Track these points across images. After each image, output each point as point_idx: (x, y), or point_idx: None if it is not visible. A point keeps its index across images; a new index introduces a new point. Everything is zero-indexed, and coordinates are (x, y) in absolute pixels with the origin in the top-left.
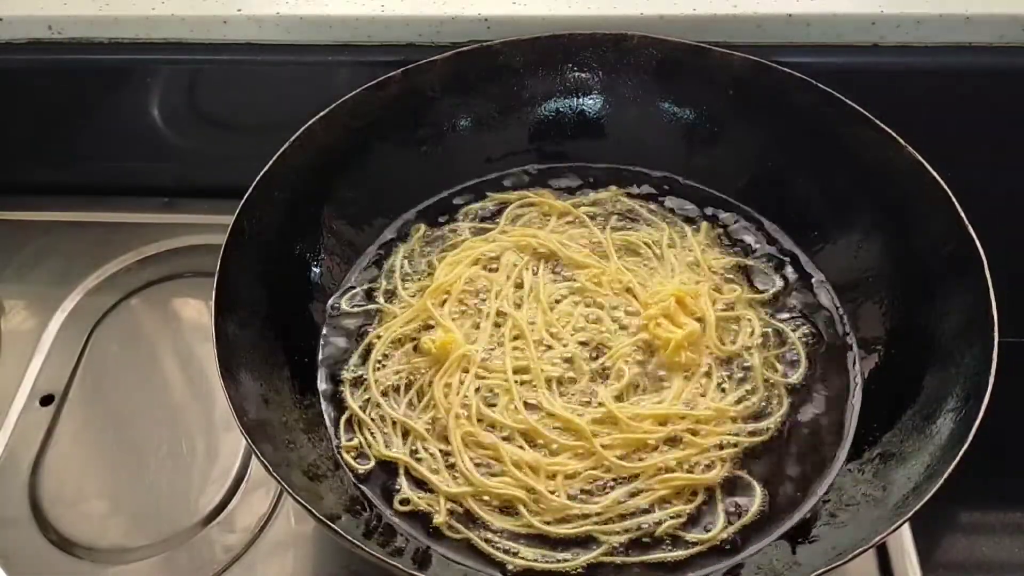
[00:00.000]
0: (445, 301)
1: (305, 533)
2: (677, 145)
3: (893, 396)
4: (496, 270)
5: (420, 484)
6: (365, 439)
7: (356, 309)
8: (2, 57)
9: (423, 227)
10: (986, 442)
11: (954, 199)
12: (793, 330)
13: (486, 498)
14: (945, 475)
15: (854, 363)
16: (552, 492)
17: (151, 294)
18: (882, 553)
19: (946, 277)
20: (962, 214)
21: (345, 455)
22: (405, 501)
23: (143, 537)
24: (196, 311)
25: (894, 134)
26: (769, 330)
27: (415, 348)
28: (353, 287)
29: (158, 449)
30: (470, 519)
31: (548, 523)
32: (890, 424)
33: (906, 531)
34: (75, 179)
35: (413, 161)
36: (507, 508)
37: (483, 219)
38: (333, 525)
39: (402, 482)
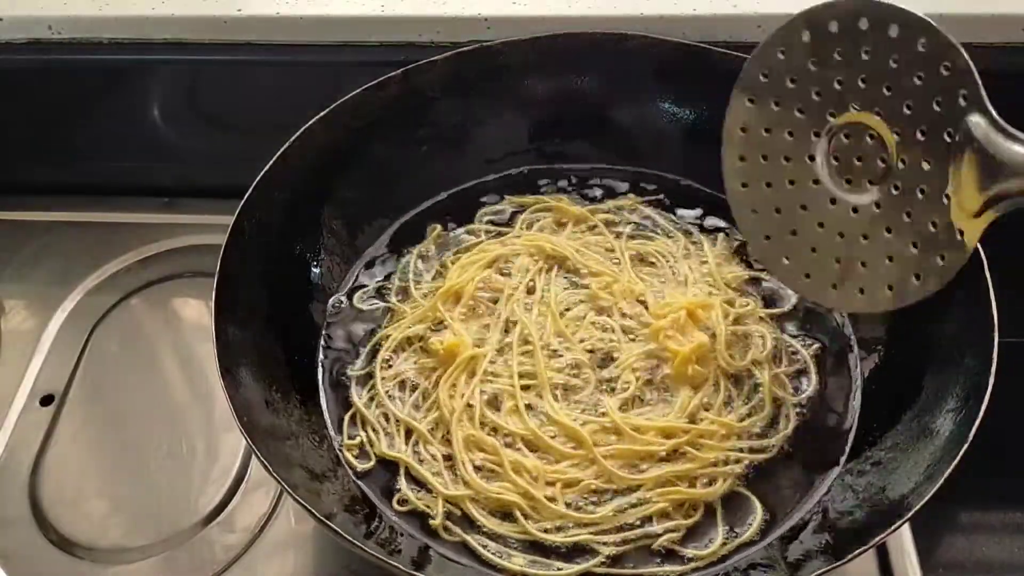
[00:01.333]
0: (456, 303)
1: (305, 533)
2: (677, 145)
3: (893, 396)
4: (509, 274)
5: (420, 484)
6: (368, 437)
7: (368, 307)
8: (2, 57)
9: (439, 227)
10: (986, 442)
11: None
12: (805, 347)
13: (484, 502)
14: (945, 475)
15: (854, 363)
16: (550, 500)
17: (151, 294)
18: (882, 553)
19: None
20: None
21: (346, 453)
22: (404, 501)
23: (143, 537)
24: (196, 311)
25: None
26: (780, 346)
27: (423, 349)
28: (365, 284)
29: (158, 449)
30: (467, 522)
31: (545, 531)
32: (890, 424)
33: (906, 531)
34: (75, 179)
35: (413, 161)
36: (504, 513)
37: (499, 222)
38: (333, 525)
39: (402, 482)
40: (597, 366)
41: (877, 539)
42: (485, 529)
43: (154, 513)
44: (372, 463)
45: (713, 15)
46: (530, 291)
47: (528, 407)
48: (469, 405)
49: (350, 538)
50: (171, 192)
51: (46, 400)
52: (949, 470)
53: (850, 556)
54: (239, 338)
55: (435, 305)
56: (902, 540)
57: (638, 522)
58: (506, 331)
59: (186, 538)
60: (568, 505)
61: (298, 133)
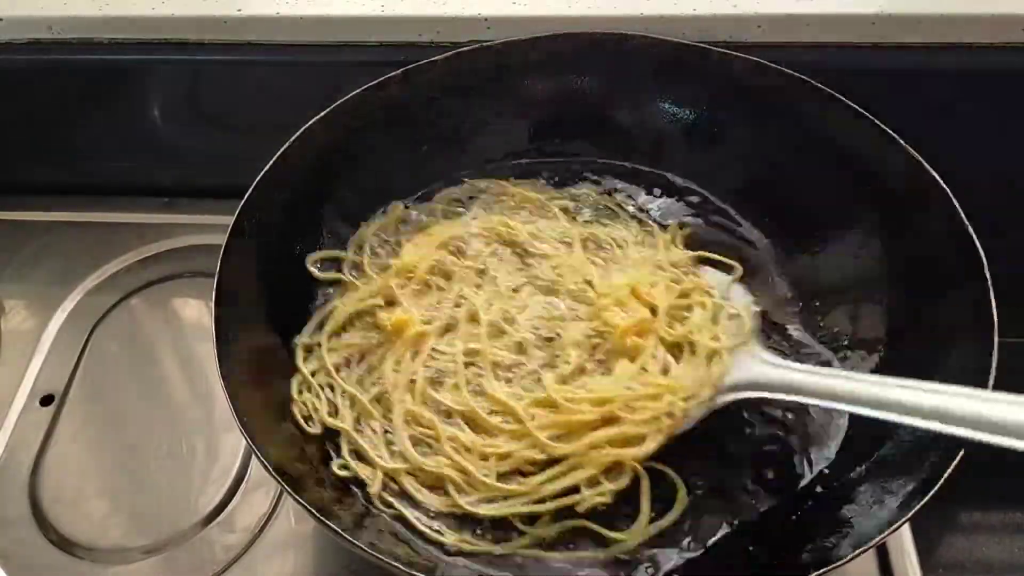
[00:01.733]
0: (409, 281)
1: (305, 533)
2: (677, 145)
3: None
4: (463, 254)
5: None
6: (312, 405)
7: (322, 275)
8: (2, 57)
9: (401, 206)
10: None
11: (954, 199)
12: (745, 307)
13: (421, 475)
14: (945, 475)
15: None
16: (484, 473)
17: (151, 294)
18: (882, 553)
19: (946, 277)
20: (962, 214)
21: (297, 414)
22: (344, 467)
23: (143, 537)
24: (196, 311)
25: (894, 134)
26: (723, 311)
27: (375, 324)
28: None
29: (158, 449)
30: (406, 496)
31: (474, 503)
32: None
33: (906, 531)
34: (75, 179)
35: (413, 161)
36: (437, 487)
37: (457, 203)
38: (333, 525)
39: (344, 450)
40: (542, 344)
41: (877, 539)
42: (418, 502)
43: (154, 513)
44: (319, 429)
45: (713, 15)
46: (481, 272)
47: (470, 384)
48: (412, 380)
49: (350, 538)
50: (171, 192)
51: (46, 400)
52: (949, 470)
53: (851, 556)
54: (239, 338)
55: (387, 281)
56: (902, 540)
57: (567, 490)
58: (455, 310)
59: (186, 538)
60: (501, 478)
61: (298, 133)
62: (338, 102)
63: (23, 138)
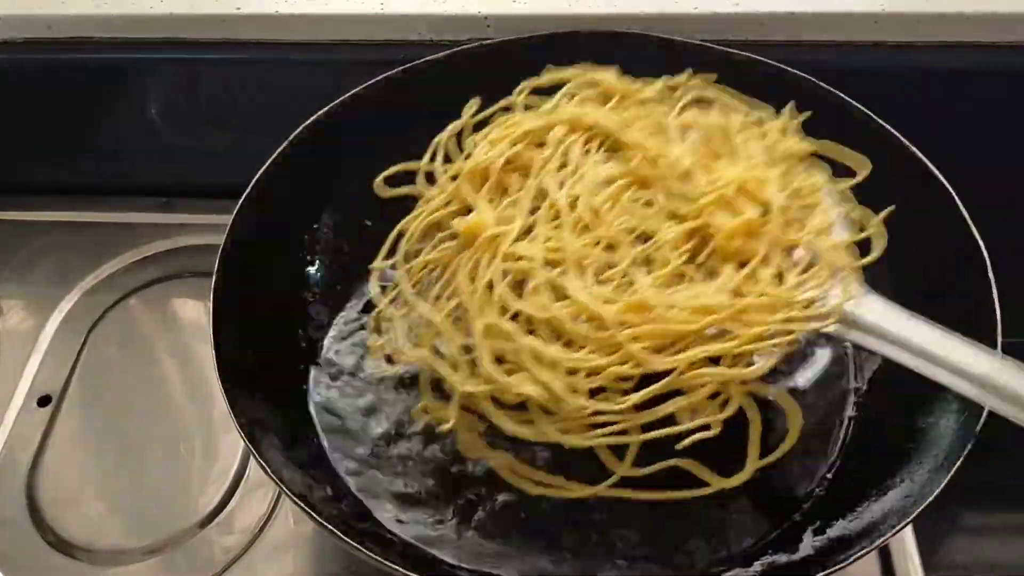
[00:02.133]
0: (484, 182)
1: (305, 533)
2: None
3: (895, 396)
4: (542, 148)
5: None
6: (391, 343)
7: (390, 193)
8: (0, 56)
9: (479, 100)
10: (989, 443)
11: (956, 198)
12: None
13: (504, 399)
14: (948, 477)
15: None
16: (573, 391)
17: (150, 294)
18: (884, 555)
19: (948, 277)
20: (965, 213)
21: (378, 354)
22: (426, 409)
23: (141, 538)
24: (195, 311)
25: (895, 133)
26: (848, 214)
27: (452, 236)
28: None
29: (156, 450)
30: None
31: (564, 431)
32: (891, 425)
33: (908, 533)
34: (73, 179)
35: (412, 161)
36: (522, 415)
37: (539, 95)
38: (331, 527)
39: (422, 387)
40: (634, 243)
41: (880, 541)
42: (503, 430)
43: (152, 514)
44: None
45: (714, 13)
46: (564, 166)
47: (552, 288)
48: (489, 288)
49: (349, 539)
50: (169, 192)
51: (43, 401)
52: (952, 471)
53: (853, 558)
54: (238, 339)
55: (459, 188)
56: (904, 542)
57: (665, 417)
58: (535, 208)
59: (185, 539)
60: (591, 397)
61: (297, 132)
62: (337, 101)
63: (20, 138)
